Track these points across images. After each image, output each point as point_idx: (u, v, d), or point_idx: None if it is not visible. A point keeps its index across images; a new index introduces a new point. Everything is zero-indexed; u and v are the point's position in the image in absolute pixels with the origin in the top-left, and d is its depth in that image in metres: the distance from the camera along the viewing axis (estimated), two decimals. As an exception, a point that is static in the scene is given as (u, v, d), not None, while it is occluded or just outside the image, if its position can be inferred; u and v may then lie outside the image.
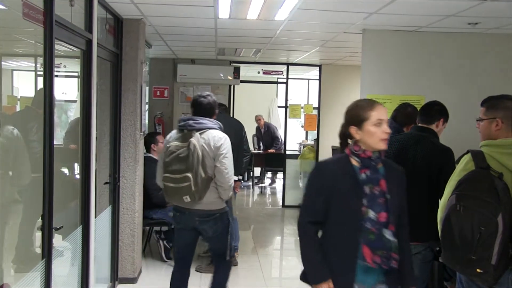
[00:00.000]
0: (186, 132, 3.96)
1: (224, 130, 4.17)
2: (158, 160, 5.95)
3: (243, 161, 5.72)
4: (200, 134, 3.94)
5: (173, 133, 4.13)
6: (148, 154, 6.03)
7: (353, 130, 2.61)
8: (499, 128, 2.80)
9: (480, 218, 2.55)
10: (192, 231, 4.11)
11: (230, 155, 3.99)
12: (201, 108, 4.09)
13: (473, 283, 2.74)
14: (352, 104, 2.69)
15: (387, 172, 2.64)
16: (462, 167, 2.81)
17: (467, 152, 2.83)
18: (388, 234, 2.53)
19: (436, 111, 3.71)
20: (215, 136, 3.96)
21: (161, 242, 6.10)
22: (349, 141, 2.68)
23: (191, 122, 3.99)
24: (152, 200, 5.86)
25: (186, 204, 3.93)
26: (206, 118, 4.04)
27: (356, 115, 2.61)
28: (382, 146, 2.56)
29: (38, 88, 3.67)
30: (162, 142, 6.09)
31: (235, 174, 5.39)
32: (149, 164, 5.86)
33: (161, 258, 6.05)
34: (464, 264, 2.63)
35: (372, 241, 2.51)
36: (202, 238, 4.23)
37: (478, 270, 2.58)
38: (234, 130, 5.66)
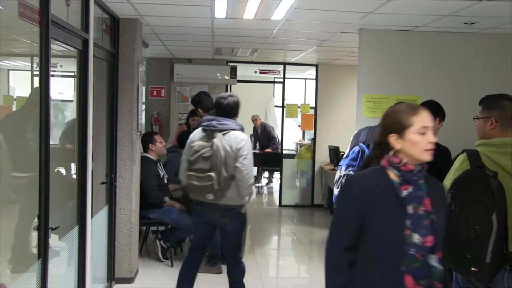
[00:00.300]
0: (209, 132, 4.14)
1: None
2: (153, 159, 5.99)
3: None
4: (223, 134, 4.11)
5: (198, 131, 4.27)
6: (145, 154, 6.03)
7: (392, 138, 2.25)
8: (493, 128, 2.81)
9: (475, 217, 2.56)
10: (211, 225, 4.32)
11: (250, 156, 4.13)
12: (221, 109, 4.24)
13: (470, 282, 2.75)
14: (391, 108, 2.37)
15: (430, 188, 2.26)
16: (458, 166, 2.82)
17: (463, 151, 2.83)
18: (434, 261, 2.19)
19: (431, 110, 3.72)
20: (237, 137, 4.11)
21: (157, 242, 6.09)
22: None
23: (214, 122, 4.17)
24: (149, 200, 5.85)
25: (200, 197, 4.15)
26: (229, 119, 4.21)
27: (396, 122, 2.26)
28: (427, 157, 2.21)
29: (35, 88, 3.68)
30: (160, 141, 6.09)
31: None
32: (147, 164, 5.86)
33: (158, 258, 6.04)
34: (460, 263, 2.65)
35: (416, 269, 2.16)
36: (220, 232, 4.44)
37: (473, 269, 2.59)
38: None
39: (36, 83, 3.05)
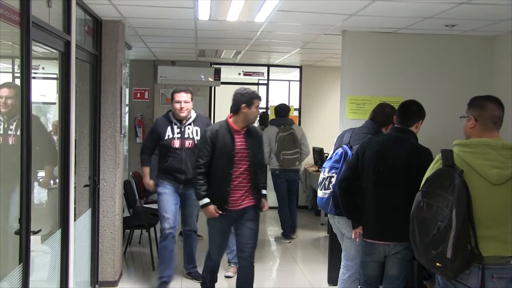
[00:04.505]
0: (283, 127, 7.19)
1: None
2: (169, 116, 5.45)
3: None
4: (292, 126, 7.28)
5: (273, 128, 7.25)
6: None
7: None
8: (473, 127, 2.85)
9: (438, 214, 2.64)
10: (287, 183, 7.33)
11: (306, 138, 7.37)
12: (282, 112, 7.39)
13: (448, 281, 2.79)
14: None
15: None
16: (432, 165, 2.90)
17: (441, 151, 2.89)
18: None
19: (414, 113, 3.75)
20: (299, 128, 7.57)
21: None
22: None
23: (284, 120, 7.28)
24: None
25: (290, 166, 7.18)
26: (288, 118, 7.38)
27: None
28: None
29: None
30: (178, 101, 5.21)
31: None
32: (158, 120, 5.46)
33: (143, 263, 5.98)
34: (427, 259, 2.74)
35: None
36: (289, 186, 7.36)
37: (437, 264, 2.68)
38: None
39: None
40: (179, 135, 5.18)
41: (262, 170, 4.68)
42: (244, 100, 4.33)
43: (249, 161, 4.35)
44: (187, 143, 5.18)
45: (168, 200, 5.20)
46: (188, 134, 5.21)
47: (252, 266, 4.50)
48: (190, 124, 5.24)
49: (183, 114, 5.15)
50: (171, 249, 5.19)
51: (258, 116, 4.71)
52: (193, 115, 5.28)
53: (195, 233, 5.55)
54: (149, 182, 5.39)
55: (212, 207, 4.32)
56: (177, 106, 5.15)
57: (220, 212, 4.31)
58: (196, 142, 5.14)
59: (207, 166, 4.34)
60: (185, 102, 5.15)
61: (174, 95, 5.20)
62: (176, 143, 5.16)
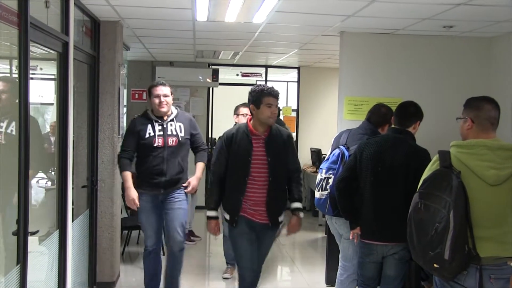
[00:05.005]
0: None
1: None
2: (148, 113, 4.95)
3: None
4: (285, 127, 5.72)
5: None
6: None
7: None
8: (469, 128, 2.85)
9: (436, 215, 2.64)
10: None
11: None
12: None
13: (446, 282, 2.80)
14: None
15: None
16: (429, 167, 2.90)
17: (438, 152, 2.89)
18: None
19: (412, 114, 3.75)
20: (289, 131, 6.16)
21: None
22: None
23: (279, 122, 5.88)
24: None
25: None
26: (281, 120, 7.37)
27: None
28: None
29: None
30: (156, 96, 4.76)
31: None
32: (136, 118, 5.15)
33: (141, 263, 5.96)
34: (425, 260, 2.74)
35: None
36: None
37: (435, 265, 2.68)
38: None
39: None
40: (161, 133, 4.58)
41: (295, 177, 4.06)
42: (252, 100, 3.88)
43: (268, 171, 3.84)
44: (170, 141, 4.58)
45: (148, 217, 4.67)
46: (171, 130, 4.62)
47: (259, 273, 4.12)
48: (172, 120, 4.65)
49: (164, 109, 4.60)
50: (157, 263, 4.81)
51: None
52: (175, 111, 4.73)
53: (181, 250, 4.71)
54: (133, 193, 4.56)
55: (213, 223, 3.95)
56: (156, 101, 4.59)
57: (218, 232, 3.99)
58: (180, 139, 4.62)
59: (221, 175, 3.92)
60: (165, 96, 4.61)
61: (152, 89, 4.67)
62: (158, 141, 4.56)
